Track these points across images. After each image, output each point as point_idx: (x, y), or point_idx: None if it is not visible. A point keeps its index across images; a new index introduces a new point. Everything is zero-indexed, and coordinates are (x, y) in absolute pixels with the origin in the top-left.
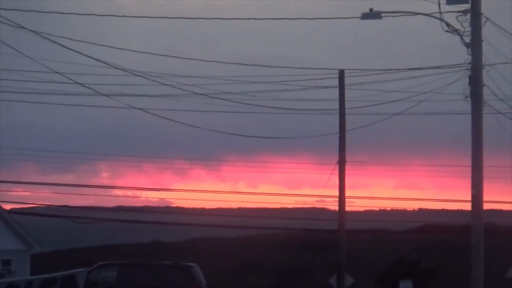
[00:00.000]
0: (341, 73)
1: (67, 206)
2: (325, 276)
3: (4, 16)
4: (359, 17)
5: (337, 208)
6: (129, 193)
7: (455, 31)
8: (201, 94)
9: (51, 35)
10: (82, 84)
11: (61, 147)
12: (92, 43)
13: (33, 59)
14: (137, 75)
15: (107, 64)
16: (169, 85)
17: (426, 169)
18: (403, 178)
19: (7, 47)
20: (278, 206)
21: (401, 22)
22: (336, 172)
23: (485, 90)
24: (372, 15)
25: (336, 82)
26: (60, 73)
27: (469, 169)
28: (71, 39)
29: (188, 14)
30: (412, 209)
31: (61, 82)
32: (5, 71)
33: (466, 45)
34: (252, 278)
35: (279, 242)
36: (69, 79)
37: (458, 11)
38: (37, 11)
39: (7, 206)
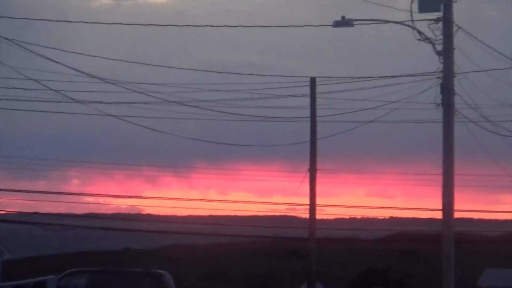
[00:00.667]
0: (313, 81)
1: (37, 213)
2: (296, 284)
3: None
4: (331, 25)
5: (307, 216)
6: (100, 200)
7: (427, 39)
8: (172, 102)
9: (21, 41)
10: (55, 91)
11: (31, 153)
12: (63, 50)
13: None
14: (108, 82)
15: (78, 71)
16: (140, 92)
17: (397, 178)
18: (374, 186)
19: None
20: (249, 213)
21: (373, 30)
22: (307, 180)
23: (457, 99)
24: (344, 23)
25: (308, 90)
26: (34, 80)
27: (441, 177)
28: (41, 45)
29: (159, 21)
30: (383, 218)
31: (33, 89)
32: None
33: (438, 53)
34: (222, 286)
35: (250, 250)
36: (43, 85)
37: (430, 19)
38: (8, 17)
39: None
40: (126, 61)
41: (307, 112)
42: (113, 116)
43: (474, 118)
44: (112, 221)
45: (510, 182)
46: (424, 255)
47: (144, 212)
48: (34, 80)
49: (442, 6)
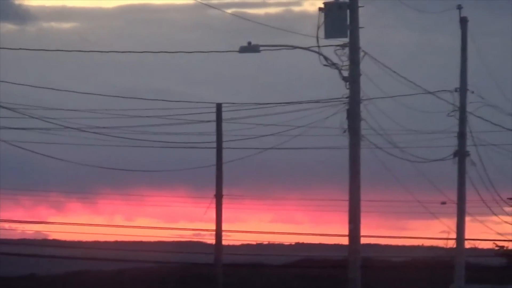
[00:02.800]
0: (219, 107)
1: None
2: None
3: None
4: (237, 51)
5: (214, 241)
6: (6, 225)
7: (333, 65)
8: (73, 128)
9: None
10: None
11: None
12: None
13: None
14: (6, 108)
15: None
16: (37, 118)
17: (303, 203)
18: (281, 212)
19: None
20: (156, 239)
21: (280, 56)
22: (213, 205)
23: (363, 125)
24: (250, 48)
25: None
26: None
27: (347, 203)
28: None
29: (63, 46)
30: (289, 243)
31: None
32: None
33: (344, 79)
34: None
35: (157, 275)
36: None
37: (337, 45)
38: None
39: None
40: (31, 86)
41: (213, 138)
42: (4, 141)
43: (381, 144)
44: (17, 247)
45: (417, 207)
46: (330, 281)
47: (51, 238)
48: None
49: (348, 32)
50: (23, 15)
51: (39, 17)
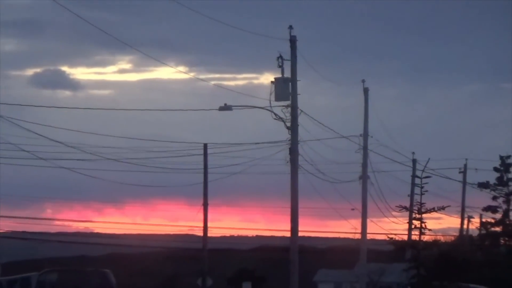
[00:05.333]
0: (205, 146)
1: (26, 232)
2: (194, 279)
3: None
4: (217, 109)
5: (202, 234)
6: (65, 223)
7: (280, 119)
8: (110, 159)
9: None
10: None
11: None
12: None
13: None
14: (70, 146)
15: None
16: None
17: (260, 209)
18: (245, 214)
19: None
20: (163, 232)
21: (247, 112)
22: (202, 210)
23: (300, 158)
24: (226, 107)
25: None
26: None
27: (289, 209)
28: None
29: (102, 106)
30: (251, 235)
31: None
32: None
33: (288, 128)
34: (146, 279)
35: (164, 256)
36: None
37: (283, 106)
38: None
39: None
40: (82, 132)
41: (201, 165)
42: (63, 167)
43: (311, 170)
44: (72, 237)
45: (335, 212)
46: (278, 261)
47: (94, 231)
48: None
49: (290, 97)
50: (75, 85)
51: (86, 86)
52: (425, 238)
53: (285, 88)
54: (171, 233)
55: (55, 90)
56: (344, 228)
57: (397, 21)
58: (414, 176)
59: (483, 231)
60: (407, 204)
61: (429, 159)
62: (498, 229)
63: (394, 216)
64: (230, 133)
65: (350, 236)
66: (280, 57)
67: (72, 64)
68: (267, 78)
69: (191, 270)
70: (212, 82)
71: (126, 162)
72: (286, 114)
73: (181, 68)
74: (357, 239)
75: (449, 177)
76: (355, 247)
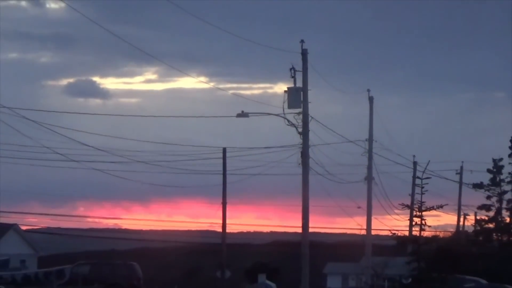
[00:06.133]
0: (224, 150)
1: (60, 227)
2: (215, 270)
3: None
4: (235, 116)
5: (221, 230)
6: (96, 220)
7: (293, 125)
8: (139, 161)
9: None
10: None
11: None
12: None
13: None
14: (102, 150)
15: None
16: None
17: (274, 207)
18: (261, 212)
19: None
20: (186, 228)
21: (262, 119)
22: (221, 208)
23: (311, 161)
24: (243, 114)
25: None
26: None
27: (301, 207)
28: None
29: (130, 113)
30: (266, 232)
31: None
32: None
33: (299, 133)
34: (171, 270)
35: (187, 249)
36: None
37: (295, 113)
38: None
39: (24, 227)
40: (111, 136)
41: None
42: (97, 169)
43: (321, 172)
44: (103, 233)
45: (342, 210)
46: (291, 254)
47: (122, 227)
48: None
49: (302, 105)
50: (105, 94)
51: (115, 95)
52: (425, 234)
53: (297, 97)
54: (193, 229)
55: (87, 98)
56: (351, 224)
57: (398, 36)
58: (414, 177)
59: (478, 228)
60: (409, 203)
61: (429, 161)
62: (491, 225)
63: (397, 214)
64: (247, 138)
65: (356, 232)
66: (293, 68)
67: (103, 75)
68: (280, 88)
69: (211, 263)
70: (230, 91)
71: (152, 164)
72: (298, 121)
73: (202, 79)
74: (363, 235)
75: (446, 178)
76: (360, 242)
